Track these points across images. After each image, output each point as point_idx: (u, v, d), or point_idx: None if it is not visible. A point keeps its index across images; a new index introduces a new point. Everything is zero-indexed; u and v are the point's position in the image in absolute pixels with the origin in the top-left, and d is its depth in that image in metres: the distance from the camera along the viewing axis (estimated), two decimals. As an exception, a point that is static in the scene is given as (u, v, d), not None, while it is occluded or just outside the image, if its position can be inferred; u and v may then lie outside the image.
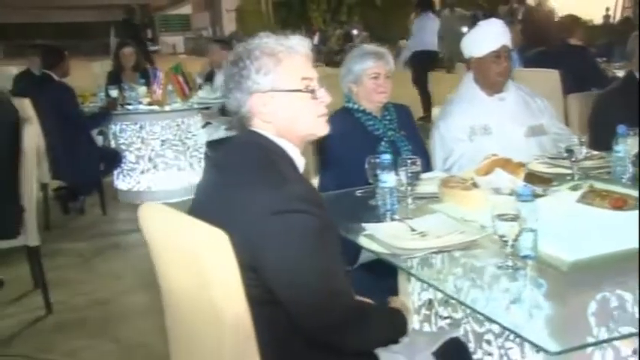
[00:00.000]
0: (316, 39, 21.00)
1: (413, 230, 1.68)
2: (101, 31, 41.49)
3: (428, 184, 2.07)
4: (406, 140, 2.55)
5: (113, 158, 4.81)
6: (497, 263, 1.45)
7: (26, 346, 2.83)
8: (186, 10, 37.05)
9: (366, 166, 2.02)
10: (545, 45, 4.87)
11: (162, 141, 5.10)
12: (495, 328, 1.60)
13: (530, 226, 1.40)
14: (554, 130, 2.67)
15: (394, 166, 1.93)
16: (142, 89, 5.16)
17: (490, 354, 1.61)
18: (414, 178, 1.99)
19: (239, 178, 1.37)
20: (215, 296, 1.36)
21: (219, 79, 5.64)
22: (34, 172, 3.08)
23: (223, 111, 5.44)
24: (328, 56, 19.39)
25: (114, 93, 5.12)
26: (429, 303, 1.88)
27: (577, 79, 4.17)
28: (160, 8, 38.47)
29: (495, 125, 2.60)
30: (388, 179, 1.89)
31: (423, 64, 8.07)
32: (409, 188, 1.98)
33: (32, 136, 3.03)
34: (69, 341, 2.85)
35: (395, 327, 1.47)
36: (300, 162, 1.48)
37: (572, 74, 4.19)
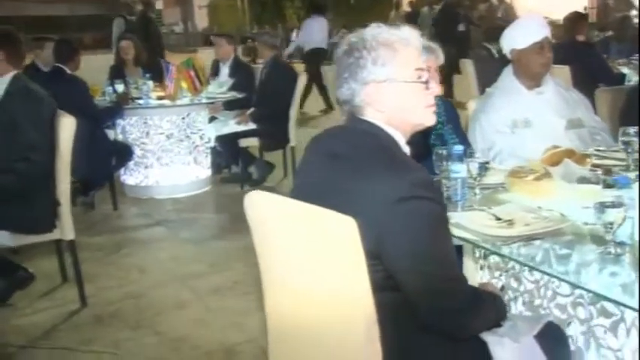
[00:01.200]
0: (294, 36, 21.02)
1: (498, 219, 1.74)
2: (73, 25, 40.79)
3: (492, 174, 2.14)
4: (453, 133, 2.62)
5: (124, 153, 4.78)
6: (596, 249, 1.51)
7: (67, 339, 2.81)
8: (158, 5, 36.60)
9: (434, 157, 2.07)
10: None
11: (168, 136, 5.09)
12: (581, 313, 1.68)
13: (629, 212, 1.46)
14: (591, 124, 2.76)
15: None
16: (150, 83, 5.13)
17: (575, 340, 1.68)
18: (483, 168, 2.05)
19: (360, 166, 1.41)
20: (340, 282, 1.40)
21: (224, 72, 5.67)
22: (69, 166, 3.06)
23: (228, 105, 5.46)
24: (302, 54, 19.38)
25: (120, 87, 5.10)
26: (502, 289, 1.95)
27: (585, 75, 4.28)
28: (134, 3, 37.91)
29: (536, 118, 2.68)
30: (460, 170, 1.95)
31: (315, 61, 8.92)
32: (478, 179, 2.04)
33: (67, 130, 3.01)
34: (110, 334, 2.85)
35: (499, 311, 1.53)
36: (407, 151, 1.52)
37: (580, 71, 4.30)
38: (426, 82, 1.47)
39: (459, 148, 1.98)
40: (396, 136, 1.49)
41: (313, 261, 1.46)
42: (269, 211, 1.56)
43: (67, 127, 3.01)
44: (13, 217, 2.84)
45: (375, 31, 1.47)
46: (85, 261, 3.56)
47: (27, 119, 2.85)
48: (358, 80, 1.46)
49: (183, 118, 5.10)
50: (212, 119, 5.39)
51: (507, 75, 2.78)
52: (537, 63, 2.65)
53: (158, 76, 5.52)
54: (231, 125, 5.20)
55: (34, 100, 2.92)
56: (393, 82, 1.45)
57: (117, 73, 5.73)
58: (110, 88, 5.10)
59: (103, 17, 42.14)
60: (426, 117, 1.51)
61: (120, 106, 4.73)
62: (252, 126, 5.14)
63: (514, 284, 1.90)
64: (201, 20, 32.70)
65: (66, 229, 3.05)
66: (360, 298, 1.38)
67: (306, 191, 1.51)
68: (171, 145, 5.10)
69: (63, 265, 3.44)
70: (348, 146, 1.47)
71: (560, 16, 13.78)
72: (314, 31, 8.96)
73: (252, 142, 5.22)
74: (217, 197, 5.10)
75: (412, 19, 15.99)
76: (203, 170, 5.27)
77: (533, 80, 2.71)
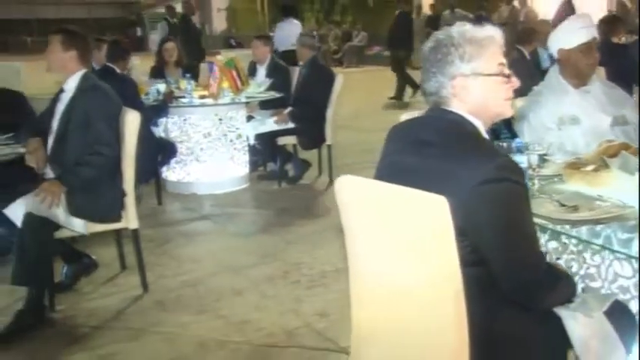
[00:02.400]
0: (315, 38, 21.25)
1: (562, 205, 1.88)
2: (89, 27, 41.14)
3: (547, 166, 2.28)
4: (504, 127, 2.76)
5: (169, 150, 4.95)
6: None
7: (136, 321, 2.99)
8: (177, 8, 36.93)
9: (495, 149, 2.22)
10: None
11: (206, 134, 5.26)
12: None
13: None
14: (634, 121, 2.89)
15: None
16: (192, 83, 5.31)
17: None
18: (541, 160, 2.20)
19: (449, 151, 1.56)
20: (430, 259, 1.54)
21: (261, 73, 5.84)
22: (133, 159, 3.24)
23: (263, 104, 5.64)
24: (326, 56, 19.58)
25: (162, 87, 5.28)
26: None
27: (620, 76, 4.40)
28: (150, 6, 38.30)
29: (582, 115, 2.81)
30: (522, 161, 2.09)
31: (291, 62, 9.03)
32: (537, 170, 2.18)
33: (132, 125, 3.18)
34: (175, 317, 3.02)
35: (571, 287, 1.67)
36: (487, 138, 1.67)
37: (614, 71, 4.42)
38: (508, 76, 1.63)
39: (519, 141, 2.12)
40: (478, 125, 1.64)
41: (403, 240, 1.60)
42: (359, 194, 1.70)
43: (132, 122, 3.18)
44: (88, 207, 3.02)
45: (462, 29, 1.63)
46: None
47: (98, 115, 3.03)
48: (446, 74, 1.61)
49: (220, 118, 5.27)
50: (249, 118, 5.57)
51: (554, 74, 2.92)
52: (585, 63, 2.78)
53: (197, 77, 5.71)
54: (269, 124, 5.36)
55: (103, 96, 3.11)
56: (478, 76, 1.60)
57: (157, 73, 5.93)
58: (154, 88, 5.29)
59: (120, 20, 42.74)
60: (506, 108, 1.67)
61: (166, 104, 4.91)
62: (289, 125, 5.31)
63: (575, 268, 2.04)
64: (220, 23, 32.96)
65: (130, 218, 3.24)
66: (450, 273, 1.53)
67: (394, 175, 1.65)
68: (209, 143, 5.27)
69: (122, 253, 3.62)
70: (436, 134, 1.62)
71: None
72: (286, 34, 9.29)
73: (289, 141, 5.40)
74: (257, 194, 5.27)
75: (434, 22, 16.11)
76: (241, 168, 5.44)
77: (580, 79, 2.84)
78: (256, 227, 4.39)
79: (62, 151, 3.06)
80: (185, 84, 5.35)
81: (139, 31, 38.46)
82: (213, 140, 5.26)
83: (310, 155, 5.60)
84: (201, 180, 5.25)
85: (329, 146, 5.41)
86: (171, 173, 5.30)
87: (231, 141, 5.32)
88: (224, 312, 3.05)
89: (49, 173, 3.10)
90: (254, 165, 5.69)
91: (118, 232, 3.55)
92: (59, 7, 39.29)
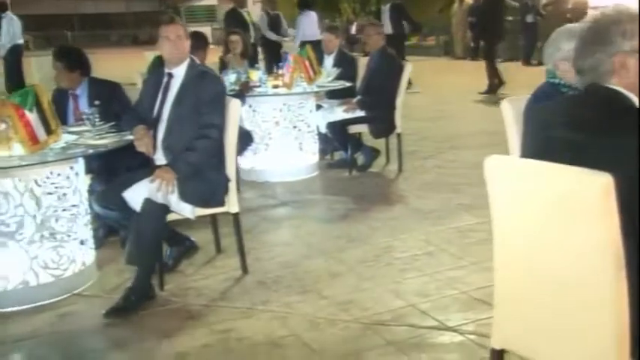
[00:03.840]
0: (353, 28, 21.32)
1: None
2: (127, 21, 41.76)
3: None
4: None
5: (246, 138, 5.07)
6: None
7: (242, 300, 3.11)
8: (212, 1, 37.25)
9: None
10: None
11: (276, 123, 5.37)
12: None
13: None
14: None
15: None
16: (263, 74, 5.43)
17: None
18: None
19: (611, 126, 1.62)
20: (590, 233, 1.60)
21: (328, 63, 5.92)
22: (235, 144, 3.36)
23: (331, 93, 5.73)
24: (365, 46, 19.58)
25: (232, 78, 5.40)
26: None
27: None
28: (187, -1, 38.73)
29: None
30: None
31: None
32: None
33: (234, 111, 3.30)
34: (279, 297, 3.13)
35: None
36: None
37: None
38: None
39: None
40: (635, 100, 1.70)
41: (560, 216, 1.66)
42: (513, 174, 1.77)
43: (234, 107, 3.30)
44: (196, 192, 3.15)
45: (621, 7, 1.69)
46: (228, 236, 3.86)
47: (208, 99, 3.17)
48: (606, 52, 1.68)
49: (289, 107, 5.37)
50: (318, 107, 5.66)
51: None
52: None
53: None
54: (338, 113, 5.45)
55: (211, 81, 3.24)
56: (636, 53, 1.66)
57: (223, 65, 6.07)
58: (226, 78, 5.41)
59: (157, 14, 43.15)
60: None
61: (243, 94, 5.03)
62: (359, 113, 5.39)
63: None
64: (256, 14, 33.21)
65: (232, 203, 3.36)
66: (609, 246, 1.59)
67: (549, 152, 1.71)
68: (279, 132, 5.37)
69: (217, 237, 3.75)
70: (595, 109, 1.68)
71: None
72: (305, 25, 9.83)
73: (360, 129, 5.48)
74: (328, 181, 5.36)
75: (477, 11, 15.94)
76: (311, 156, 5.54)
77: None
78: (337, 213, 4.48)
79: (174, 137, 3.19)
80: (256, 74, 5.47)
81: (176, 25, 38.96)
82: (282, 129, 5.37)
83: (376, 143, 5.67)
84: (273, 168, 5.36)
85: (399, 134, 5.48)
86: (244, 161, 5.42)
87: (300, 130, 5.42)
88: (326, 292, 3.15)
89: (160, 159, 3.24)
90: (322, 153, 5.78)
91: (213, 217, 3.67)
92: (98, 3, 39.97)
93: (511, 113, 2.75)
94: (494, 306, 1.90)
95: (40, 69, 11.28)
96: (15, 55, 10.79)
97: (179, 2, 39.00)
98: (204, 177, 3.19)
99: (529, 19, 13.96)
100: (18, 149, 2.94)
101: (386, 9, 10.54)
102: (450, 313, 2.87)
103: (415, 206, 4.50)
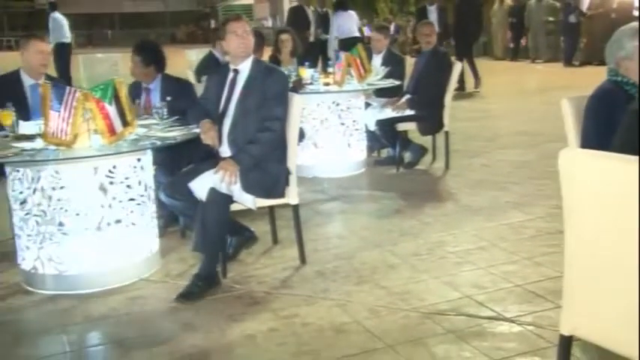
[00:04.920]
0: (392, 29, 21.38)
1: None
2: (165, 20, 42.37)
3: None
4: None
5: (299, 134, 5.19)
6: None
7: (302, 288, 3.23)
8: (248, 0, 37.65)
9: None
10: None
11: (322, 120, 5.48)
12: None
13: None
14: None
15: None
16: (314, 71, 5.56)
17: None
18: None
19: None
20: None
21: (376, 62, 6.02)
22: (296, 138, 3.49)
23: (378, 92, 5.83)
24: (403, 46, 19.65)
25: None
26: None
27: None
28: (224, -2, 39.18)
29: None
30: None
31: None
32: None
33: (296, 106, 3.43)
34: (339, 286, 3.24)
35: None
36: None
37: None
38: None
39: None
40: None
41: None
42: (589, 167, 1.84)
43: (296, 103, 3.43)
44: (259, 183, 3.28)
45: None
46: (284, 228, 3.99)
47: (272, 94, 3.30)
48: None
49: (338, 104, 5.48)
50: (367, 105, 5.76)
51: None
52: None
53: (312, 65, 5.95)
54: (387, 111, 5.55)
55: (277, 77, 3.38)
56: None
57: (273, 63, 6.20)
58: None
59: (194, 13, 43.68)
60: None
61: (296, 91, 5.15)
62: (408, 112, 5.47)
63: None
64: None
65: (292, 194, 3.48)
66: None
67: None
68: (328, 129, 5.49)
69: (275, 228, 3.88)
70: None
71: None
72: (345, 24, 10.29)
73: (408, 127, 5.57)
74: (377, 178, 5.47)
75: (518, 12, 15.90)
76: (359, 153, 5.64)
77: None
78: (388, 208, 4.57)
79: (239, 131, 3.33)
80: (306, 72, 5.59)
81: (212, 24, 39.41)
82: (332, 126, 5.48)
83: (422, 141, 5.75)
84: (322, 164, 5.48)
85: (446, 132, 5.55)
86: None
87: (348, 127, 5.52)
88: (383, 283, 3.25)
89: (225, 151, 3.38)
90: (369, 150, 5.89)
91: (271, 209, 3.81)
92: (137, 2, 40.70)
93: (570, 111, 2.83)
94: (562, 294, 1.98)
95: (87, 67, 11.58)
96: (61, 53, 11.23)
97: (216, 1, 39.50)
98: (266, 169, 3.32)
99: (572, 19, 13.83)
100: (96, 140, 3.11)
101: (433, 9, 10.54)
102: (507, 305, 2.95)
103: (465, 203, 4.57)
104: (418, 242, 3.82)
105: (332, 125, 5.46)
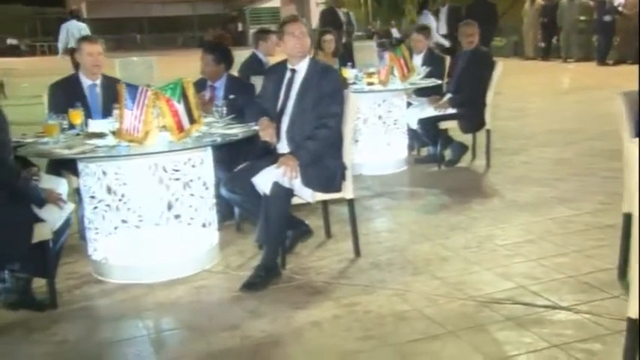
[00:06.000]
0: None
1: None
2: (193, 24, 42.86)
3: None
4: None
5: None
6: None
7: (360, 279, 3.35)
8: (275, 2, 37.95)
9: None
10: None
11: (367, 119, 5.59)
12: None
13: None
14: None
15: None
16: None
17: None
18: None
19: None
20: None
21: (417, 62, 6.12)
22: (352, 134, 3.62)
23: (419, 91, 5.93)
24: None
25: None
26: None
27: None
28: (251, 1, 39.55)
29: None
30: None
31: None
32: None
33: (352, 104, 3.55)
34: (395, 277, 3.36)
35: None
36: None
37: None
38: None
39: None
40: None
41: None
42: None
43: (353, 103, 3.56)
44: (316, 177, 3.41)
45: None
46: (334, 223, 4.12)
47: (329, 92, 3.43)
48: None
49: (380, 104, 5.59)
50: (408, 104, 5.87)
51: None
52: None
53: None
54: (429, 110, 5.65)
55: (334, 76, 3.51)
56: None
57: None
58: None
59: (221, 16, 44.13)
60: None
61: (341, 90, 5.28)
62: (450, 110, 5.57)
63: None
64: (317, 17, 33.68)
65: (348, 189, 3.61)
66: None
67: None
68: (370, 128, 5.60)
69: (328, 222, 4.02)
70: None
71: None
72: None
73: (449, 125, 5.66)
74: (419, 175, 5.57)
75: (550, 11, 15.86)
76: (400, 151, 5.75)
77: None
78: (434, 204, 4.68)
79: (297, 128, 3.47)
80: (349, 72, 5.72)
81: (240, 26, 39.84)
82: (374, 124, 5.59)
83: (461, 139, 5.84)
84: (364, 162, 5.59)
85: (488, 130, 5.64)
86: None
87: (390, 125, 5.63)
88: (438, 274, 3.36)
89: (283, 148, 3.52)
90: (409, 149, 5.99)
91: (324, 203, 3.94)
92: (165, 6, 41.29)
93: (624, 107, 2.91)
94: (630, 280, 2.07)
95: (123, 70, 11.88)
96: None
97: (244, 4, 39.87)
98: (323, 164, 3.45)
99: (607, 18, 13.76)
100: (163, 137, 3.27)
101: (444, 10, 10.89)
102: (562, 294, 3.04)
103: (510, 199, 4.66)
104: (467, 236, 3.92)
105: (374, 124, 5.58)
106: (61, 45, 12.13)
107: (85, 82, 4.22)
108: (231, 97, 3.82)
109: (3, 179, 2.82)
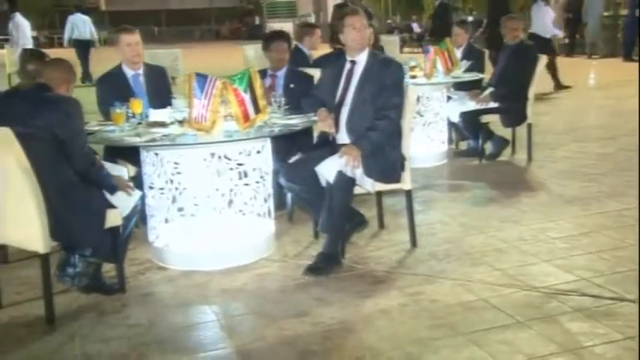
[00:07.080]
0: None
1: None
2: (210, 17, 42.92)
3: None
4: None
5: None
6: None
7: (421, 269, 3.38)
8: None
9: None
10: None
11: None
12: None
13: None
14: None
15: None
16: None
17: None
18: None
19: None
20: None
21: (457, 56, 6.12)
22: (410, 126, 3.64)
23: (459, 84, 5.93)
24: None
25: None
26: None
27: None
28: (269, -5, 39.50)
29: None
30: None
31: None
32: None
33: (412, 96, 3.58)
34: (455, 267, 3.38)
35: None
36: None
37: None
38: None
39: None
40: None
41: None
42: None
43: (412, 92, 3.59)
44: (377, 167, 3.44)
45: None
46: (386, 214, 4.14)
47: (390, 83, 3.46)
48: None
49: (425, 97, 5.60)
50: (448, 98, 5.88)
51: None
52: None
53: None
54: (470, 104, 5.66)
55: (395, 68, 3.53)
56: None
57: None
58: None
59: (238, 9, 44.13)
60: None
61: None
62: (492, 104, 5.57)
63: None
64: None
65: (406, 180, 3.64)
66: None
67: None
68: (413, 121, 5.58)
69: (381, 213, 4.04)
70: None
71: None
72: (535, 18, 10.33)
73: (491, 119, 5.66)
74: (461, 168, 5.58)
75: (575, 7, 15.76)
76: (440, 144, 5.76)
77: None
78: (481, 197, 4.69)
79: (357, 119, 3.50)
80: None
81: (257, 20, 39.80)
82: (416, 117, 5.57)
83: (501, 133, 5.84)
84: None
85: (529, 125, 5.64)
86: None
87: (430, 118, 5.63)
88: (498, 265, 3.38)
89: (343, 138, 3.55)
90: (449, 142, 6.00)
91: (379, 195, 3.96)
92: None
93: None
94: None
95: (149, 61, 11.98)
96: (82, 49, 13.35)
97: (261, -2, 39.82)
98: (384, 154, 3.47)
99: (637, 13, 13.65)
100: (228, 126, 3.30)
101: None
102: (627, 287, 3.05)
103: (558, 193, 4.66)
104: (520, 228, 3.93)
105: (415, 117, 5.57)
106: (66, 36, 13.56)
107: (128, 72, 4.26)
108: (292, 86, 3.85)
109: (81, 166, 2.87)
